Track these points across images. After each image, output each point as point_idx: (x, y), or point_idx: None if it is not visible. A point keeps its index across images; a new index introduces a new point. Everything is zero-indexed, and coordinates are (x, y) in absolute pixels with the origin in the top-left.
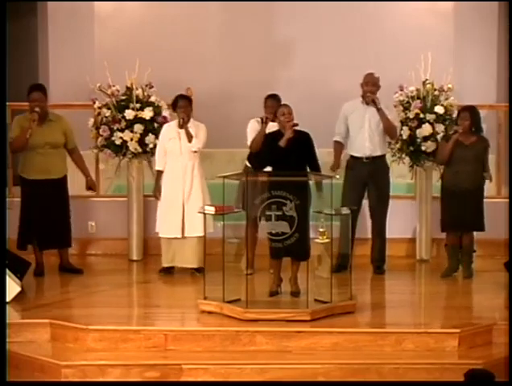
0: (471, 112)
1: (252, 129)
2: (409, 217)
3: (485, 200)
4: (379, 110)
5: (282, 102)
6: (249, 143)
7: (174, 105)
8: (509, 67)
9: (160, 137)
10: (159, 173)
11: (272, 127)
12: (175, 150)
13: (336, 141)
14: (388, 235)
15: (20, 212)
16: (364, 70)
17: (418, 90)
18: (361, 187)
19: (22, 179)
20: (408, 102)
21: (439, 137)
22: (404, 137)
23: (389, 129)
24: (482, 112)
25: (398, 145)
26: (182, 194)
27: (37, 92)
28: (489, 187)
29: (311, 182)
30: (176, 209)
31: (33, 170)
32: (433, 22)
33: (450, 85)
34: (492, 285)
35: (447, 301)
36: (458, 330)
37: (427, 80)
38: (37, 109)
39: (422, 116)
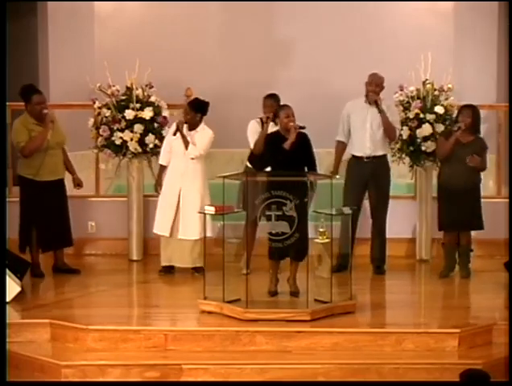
0: (473, 110)
1: (252, 130)
2: (409, 217)
3: (484, 200)
4: (381, 112)
5: (282, 102)
6: (251, 145)
7: None
8: (509, 67)
9: (169, 132)
10: (162, 167)
11: (271, 127)
12: (179, 151)
13: (338, 141)
14: (388, 235)
15: (22, 214)
16: (364, 70)
17: (418, 90)
18: (362, 187)
19: (27, 181)
20: (408, 102)
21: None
22: (404, 137)
23: (389, 131)
24: (482, 113)
25: (398, 145)
26: (178, 194)
27: (39, 94)
28: (489, 187)
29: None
30: (170, 208)
31: (44, 171)
32: (433, 22)
33: (450, 85)
34: (492, 285)
35: (447, 301)
36: (458, 330)
37: (427, 80)
38: (46, 111)
39: (422, 116)
